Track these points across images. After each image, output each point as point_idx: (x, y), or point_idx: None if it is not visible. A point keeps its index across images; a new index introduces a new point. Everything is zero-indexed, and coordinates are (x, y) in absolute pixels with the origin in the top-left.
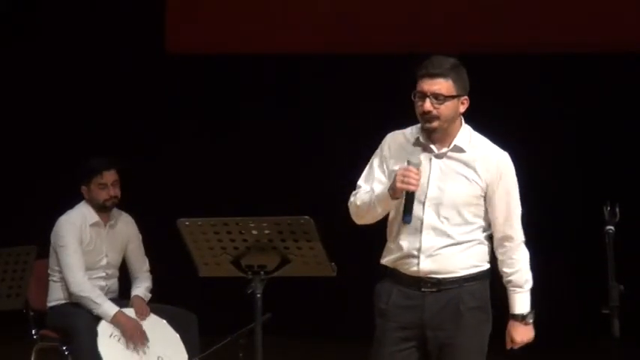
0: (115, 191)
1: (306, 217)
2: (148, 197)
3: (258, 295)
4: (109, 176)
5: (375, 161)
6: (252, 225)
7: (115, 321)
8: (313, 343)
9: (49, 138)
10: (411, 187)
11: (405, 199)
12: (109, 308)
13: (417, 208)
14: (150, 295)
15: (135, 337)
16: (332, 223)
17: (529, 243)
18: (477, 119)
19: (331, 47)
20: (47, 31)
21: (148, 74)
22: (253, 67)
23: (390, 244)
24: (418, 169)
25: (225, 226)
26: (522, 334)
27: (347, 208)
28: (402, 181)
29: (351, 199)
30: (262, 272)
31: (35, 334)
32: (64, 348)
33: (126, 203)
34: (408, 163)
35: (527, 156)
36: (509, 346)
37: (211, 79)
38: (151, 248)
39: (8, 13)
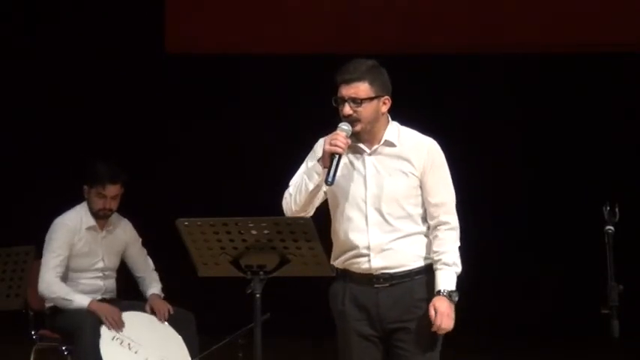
0: (112, 204)
1: (306, 217)
2: (148, 197)
3: (258, 295)
4: (111, 190)
5: (309, 162)
6: (252, 225)
7: (90, 310)
8: (313, 343)
9: (48, 138)
10: (338, 150)
11: (330, 162)
12: (81, 300)
13: (359, 208)
14: (163, 295)
15: (114, 323)
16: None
17: (530, 243)
18: (476, 119)
19: (331, 47)
20: (47, 31)
21: (148, 74)
22: (253, 67)
23: (337, 245)
24: (347, 135)
25: (224, 226)
26: (447, 307)
27: None
28: (330, 144)
29: (285, 194)
30: (261, 272)
31: (34, 335)
32: (64, 348)
33: (125, 203)
34: (338, 128)
35: (527, 156)
36: (432, 315)
37: (211, 79)
38: (150, 248)
39: (8, 12)
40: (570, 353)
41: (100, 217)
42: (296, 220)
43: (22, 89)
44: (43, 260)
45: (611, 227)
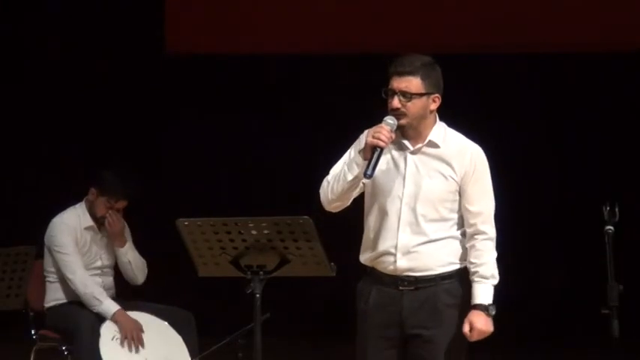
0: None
1: (306, 216)
2: (148, 197)
3: (257, 295)
4: (122, 204)
5: (352, 152)
6: (252, 225)
7: (115, 319)
8: (313, 343)
9: (48, 138)
10: (380, 143)
11: (371, 155)
12: (110, 306)
13: (394, 205)
14: (143, 261)
15: (132, 337)
16: (332, 223)
17: (530, 243)
18: (477, 119)
19: (331, 47)
20: (47, 30)
21: (148, 74)
22: (252, 67)
23: (366, 241)
24: (392, 129)
25: (224, 226)
26: (484, 323)
27: (346, 208)
28: (373, 136)
29: (324, 182)
30: (261, 272)
31: (34, 335)
32: (64, 348)
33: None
34: (383, 121)
35: (527, 156)
36: (467, 332)
37: (211, 79)
38: (149, 248)
39: (9, 13)
40: (570, 353)
41: (101, 223)
42: (296, 220)
43: (22, 89)
44: (65, 262)
45: (611, 227)
